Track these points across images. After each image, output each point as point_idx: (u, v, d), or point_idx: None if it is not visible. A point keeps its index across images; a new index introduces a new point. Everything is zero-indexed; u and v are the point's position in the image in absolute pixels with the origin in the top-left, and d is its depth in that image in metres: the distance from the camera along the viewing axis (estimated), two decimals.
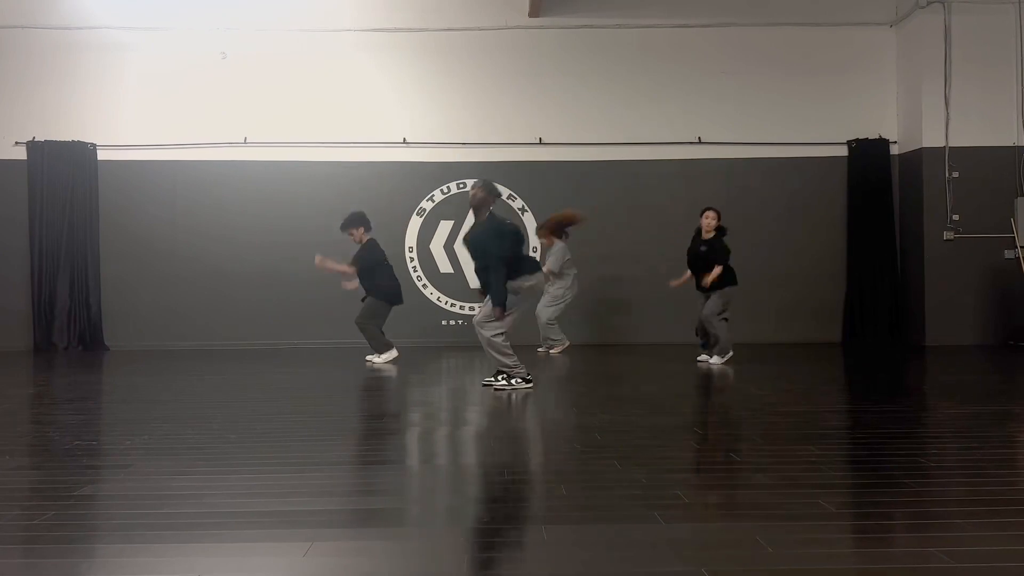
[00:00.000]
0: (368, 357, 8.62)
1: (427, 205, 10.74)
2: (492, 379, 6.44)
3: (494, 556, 2.72)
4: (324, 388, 6.95)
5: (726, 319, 8.19)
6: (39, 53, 10.50)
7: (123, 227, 10.53)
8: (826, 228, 10.75)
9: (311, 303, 10.27)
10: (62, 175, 10.38)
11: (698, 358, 8.35)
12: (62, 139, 10.44)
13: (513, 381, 6.32)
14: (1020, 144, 10.22)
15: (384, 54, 10.67)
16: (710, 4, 10.69)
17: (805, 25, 10.70)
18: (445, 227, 10.70)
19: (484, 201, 6.38)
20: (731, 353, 8.21)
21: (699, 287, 8.24)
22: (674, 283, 8.65)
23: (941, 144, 10.22)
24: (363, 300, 8.61)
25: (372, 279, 8.51)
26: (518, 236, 6.50)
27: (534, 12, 10.49)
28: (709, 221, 8.29)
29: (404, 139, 10.65)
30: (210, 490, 3.41)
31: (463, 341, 10.01)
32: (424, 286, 10.69)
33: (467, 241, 6.75)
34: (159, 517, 3.02)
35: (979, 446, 4.24)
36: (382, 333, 8.59)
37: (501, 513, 3.20)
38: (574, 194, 10.61)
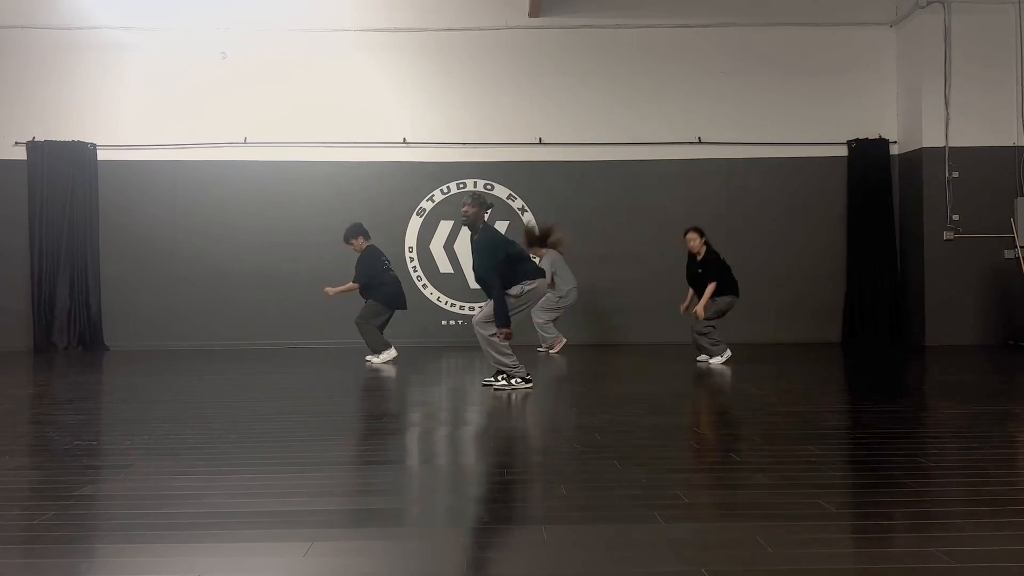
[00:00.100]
0: (368, 357, 8.62)
1: (427, 205, 10.74)
2: (492, 379, 6.44)
3: (494, 556, 2.72)
4: (324, 388, 6.95)
5: (713, 326, 8.16)
6: (39, 53, 10.50)
7: (123, 227, 10.53)
8: (826, 228, 10.75)
9: (311, 303, 10.26)
10: (62, 175, 10.39)
11: (697, 358, 8.35)
12: (62, 139, 10.44)
13: (513, 381, 6.33)
14: (1020, 144, 10.22)
15: (384, 54, 10.68)
16: (710, 4, 10.69)
17: (805, 25, 10.70)
18: (445, 227, 10.70)
19: (476, 216, 6.39)
20: (729, 353, 8.20)
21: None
22: (682, 307, 8.55)
23: (941, 144, 10.22)
24: (366, 301, 8.63)
25: (373, 287, 8.54)
26: (512, 242, 6.52)
27: (534, 12, 10.49)
28: (694, 244, 8.24)
29: (404, 139, 10.65)
30: (210, 490, 3.40)
31: (463, 341, 10.01)
32: (424, 286, 10.69)
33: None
34: (159, 517, 3.02)
35: (979, 446, 4.23)
36: (381, 334, 8.59)
37: (501, 513, 3.20)
38: (574, 194, 10.63)
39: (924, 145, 10.27)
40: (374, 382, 7.33)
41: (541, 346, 9.47)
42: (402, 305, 8.69)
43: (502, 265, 6.23)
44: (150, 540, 2.79)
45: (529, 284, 6.36)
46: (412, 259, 10.69)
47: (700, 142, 10.72)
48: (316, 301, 10.12)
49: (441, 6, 10.67)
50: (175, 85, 10.61)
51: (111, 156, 10.54)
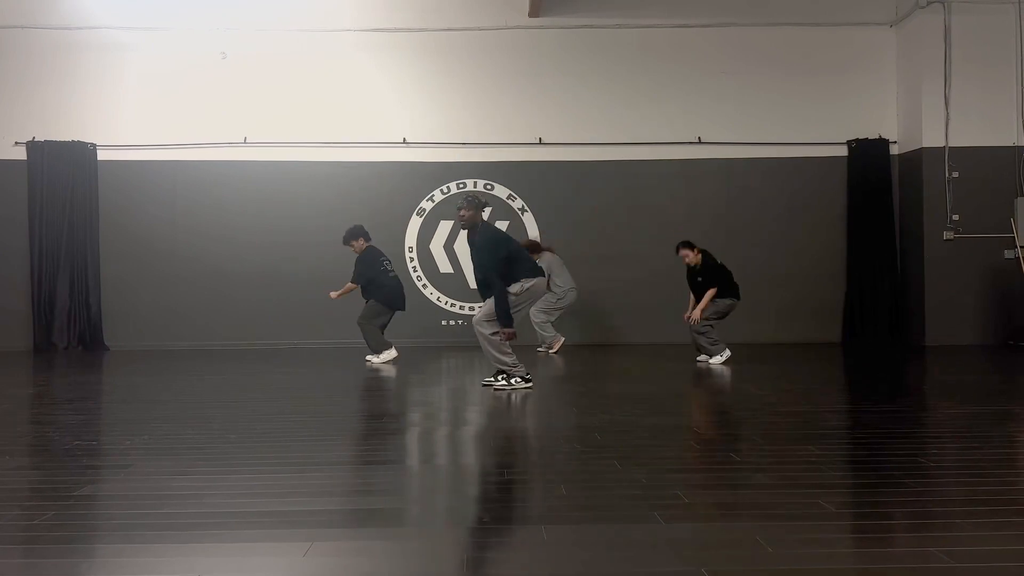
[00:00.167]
0: (368, 357, 8.62)
1: (427, 205, 10.74)
2: (492, 379, 6.44)
3: (494, 556, 2.72)
4: (324, 388, 6.94)
5: (711, 326, 8.18)
6: (39, 53, 10.50)
7: (123, 227, 10.53)
8: (826, 228, 10.75)
9: (311, 303, 10.26)
10: (62, 175, 10.38)
11: (697, 358, 8.35)
12: (62, 139, 10.44)
13: (513, 381, 6.32)
14: (1020, 144, 10.22)
15: (384, 54, 10.67)
16: (710, 4, 10.69)
17: (805, 25, 10.70)
18: (445, 227, 10.69)
19: (473, 218, 6.38)
20: (729, 352, 8.21)
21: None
22: (686, 316, 8.53)
23: (941, 144, 10.22)
24: (367, 301, 8.65)
25: (373, 287, 8.55)
26: (512, 239, 6.52)
27: (534, 12, 10.49)
28: (689, 259, 8.27)
29: (404, 139, 10.65)
30: (210, 490, 3.40)
31: (463, 341, 10.01)
32: (424, 286, 10.69)
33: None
34: (159, 517, 3.02)
35: (979, 446, 4.23)
36: (382, 334, 8.60)
37: (501, 513, 3.20)
38: (574, 194, 10.63)
39: (924, 145, 10.27)
40: (374, 382, 7.33)
41: (541, 346, 9.47)
42: (401, 306, 8.69)
43: (503, 263, 6.23)
44: (150, 540, 2.79)
45: (528, 281, 6.35)
46: (412, 259, 10.69)
47: (700, 142, 10.72)
48: (316, 301, 10.12)
49: (441, 6, 10.67)
50: (175, 85, 10.60)
51: (111, 156, 10.54)
